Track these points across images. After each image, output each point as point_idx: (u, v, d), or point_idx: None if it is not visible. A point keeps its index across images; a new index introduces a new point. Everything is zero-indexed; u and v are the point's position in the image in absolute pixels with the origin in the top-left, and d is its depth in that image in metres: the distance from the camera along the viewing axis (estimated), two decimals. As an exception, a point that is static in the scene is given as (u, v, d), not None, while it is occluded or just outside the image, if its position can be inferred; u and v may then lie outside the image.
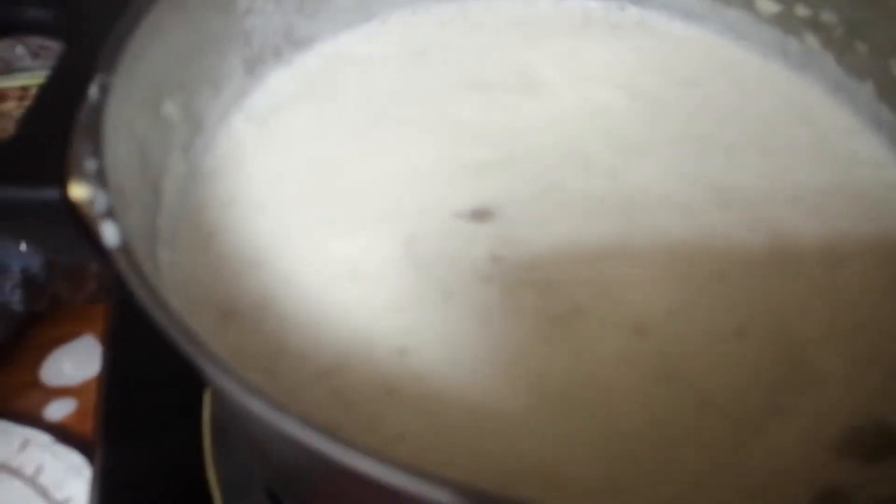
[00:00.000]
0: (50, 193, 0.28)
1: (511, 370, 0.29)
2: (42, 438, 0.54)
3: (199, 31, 0.36)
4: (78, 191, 0.28)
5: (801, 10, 0.41)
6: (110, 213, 0.23)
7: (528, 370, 0.29)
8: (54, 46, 0.65)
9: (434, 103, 0.41)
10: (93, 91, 0.27)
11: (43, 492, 0.52)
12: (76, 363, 0.62)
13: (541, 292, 0.31)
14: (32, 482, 0.52)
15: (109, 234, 0.23)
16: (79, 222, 0.28)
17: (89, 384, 0.60)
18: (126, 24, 0.30)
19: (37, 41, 0.75)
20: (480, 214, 0.34)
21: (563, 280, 0.32)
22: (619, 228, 0.34)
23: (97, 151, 0.25)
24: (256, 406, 0.19)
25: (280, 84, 0.42)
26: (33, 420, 0.56)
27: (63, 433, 0.56)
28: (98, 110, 0.27)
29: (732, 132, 0.39)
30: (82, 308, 0.66)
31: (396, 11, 0.45)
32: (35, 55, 0.76)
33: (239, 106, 0.40)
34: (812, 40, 0.41)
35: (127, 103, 0.30)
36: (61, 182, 0.28)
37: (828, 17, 0.40)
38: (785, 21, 0.42)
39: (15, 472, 0.53)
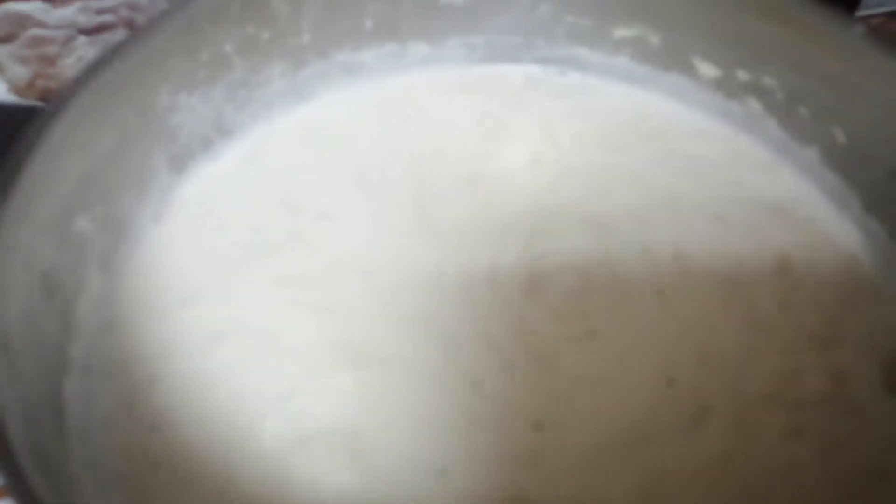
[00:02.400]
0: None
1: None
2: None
3: (115, 137, 0.35)
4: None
5: (742, 75, 0.40)
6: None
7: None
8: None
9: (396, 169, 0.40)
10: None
11: None
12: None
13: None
14: None
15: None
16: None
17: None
18: (22, 148, 0.29)
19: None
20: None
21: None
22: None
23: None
24: None
25: (209, 175, 0.40)
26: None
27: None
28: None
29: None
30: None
31: (331, 90, 0.44)
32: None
33: (167, 204, 0.39)
34: (755, 104, 0.40)
35: (23, 234, 0.28)
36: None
37: (769, 81, 0.39)
38: (726, 85, 0.40)
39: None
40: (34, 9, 0.52)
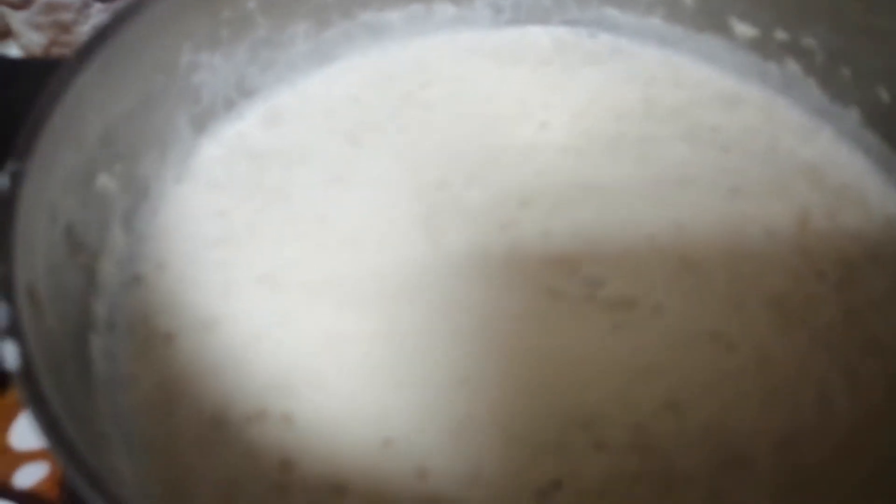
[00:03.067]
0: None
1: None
2: (11, 509, 0.51)
3: (137, 95, 0.34)
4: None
5: (781, 35, 0.38)
6: (12, 330, 0.21)
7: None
8: None
9: (415, 135, 0.39)
10: (2, 180, 0.25)
11: (14, 567, 0.49)
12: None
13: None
14: (3, 557, 0.50)
15: (9, 355, 0.21)
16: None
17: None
18: (46, 100, 0.28)
19: None
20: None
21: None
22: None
23: (3, 255, 0.23)
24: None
25: (231, 135, 0.40)
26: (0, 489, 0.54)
27: (34, 501, 0.53)
28: (7, 204, 0.25)
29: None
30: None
31: (355, 53, 0.43)
32: None
33: (189, 165, 0.38)
34: (793, 66, 0.38)
35: (47, 188, 0.28)
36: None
37: (809, 41, 0.37)
38: (763, 46, 0.39)
39: (-16, 548, 0.50)
40: (50, -26, 0.52)
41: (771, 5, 0.38)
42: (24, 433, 0.59)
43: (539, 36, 0.44)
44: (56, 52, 0.50)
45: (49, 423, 0.19)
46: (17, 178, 0.25)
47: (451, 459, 0.26)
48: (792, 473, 0.26)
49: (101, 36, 0.31)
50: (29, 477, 0.55)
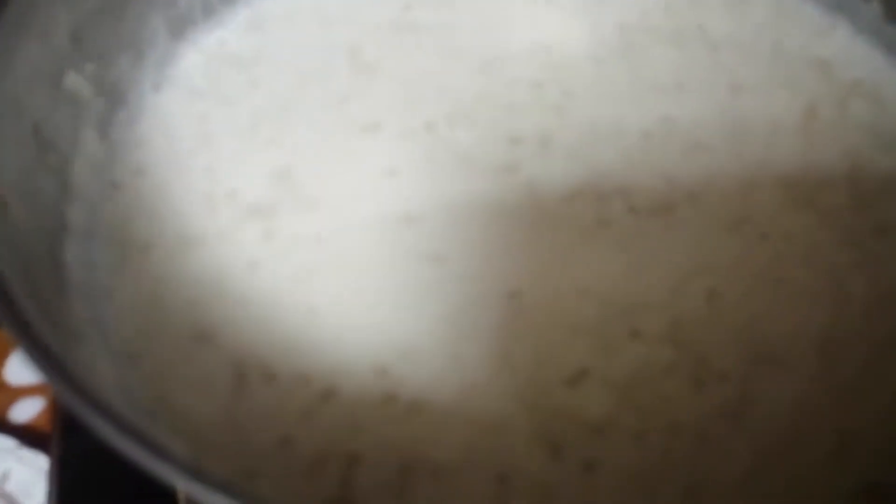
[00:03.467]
0: None
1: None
2: (6, 443, 0.51)
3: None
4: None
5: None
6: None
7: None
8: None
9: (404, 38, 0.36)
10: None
11: (10, 500, 0.49)
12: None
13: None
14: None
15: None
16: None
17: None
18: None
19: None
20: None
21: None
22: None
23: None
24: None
25: (211, 44, 0.37)
26: (-4, 424, 0.53)
27: (30, 435, 0.53)
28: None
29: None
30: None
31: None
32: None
33: (167, 72, 0.36)
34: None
35: (8, 78, 0.26)
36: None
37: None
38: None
39: (-19, 480, 0.50)
40: None
41: None
42: (20, 368, 0.58)
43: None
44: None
45: (18, 322, 0.18)
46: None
47: (480, 346, 0.25)
48: (827, 375, 0.24)
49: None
50: (25, 411, 0.55)
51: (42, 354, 0.19)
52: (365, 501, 0.22)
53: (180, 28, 0.36)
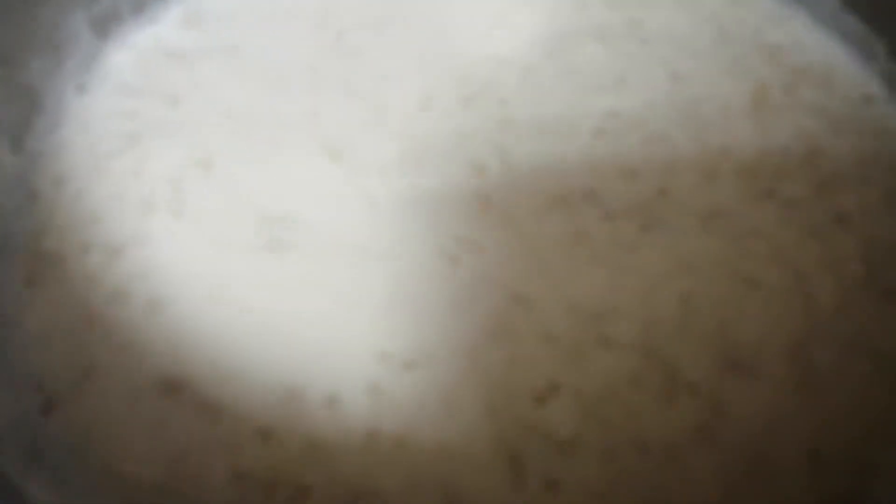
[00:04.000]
0: None
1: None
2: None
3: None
4: None
5: None
6: None
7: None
8: None
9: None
10: None
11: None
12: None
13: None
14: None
15: None
16: None
17: None
18: None
19: None
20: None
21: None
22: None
23: None
24: None
25: (142, 41, 0.35)
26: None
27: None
28: None
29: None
30: None
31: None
32: None
33: (93, 72, 0.33)
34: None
35: None
36: None
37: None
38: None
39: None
40: None
41: None
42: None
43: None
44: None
45: None
46: None
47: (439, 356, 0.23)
48: (797, 382, 0.23)
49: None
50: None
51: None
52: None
53: (105, 26, 0.34)
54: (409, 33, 0.35)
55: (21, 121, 0.30)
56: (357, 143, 0.29)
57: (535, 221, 0.26)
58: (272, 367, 0.23)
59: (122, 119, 0.31)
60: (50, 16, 0.31)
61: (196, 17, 0.36)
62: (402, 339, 0.24)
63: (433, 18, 0.34)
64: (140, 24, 0.35)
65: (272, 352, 0.24)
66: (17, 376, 0.23)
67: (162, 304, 0.25)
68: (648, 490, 0.21)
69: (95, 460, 0.22)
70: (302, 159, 0.29)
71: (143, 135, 0.31)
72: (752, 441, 0.22)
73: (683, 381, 0.23)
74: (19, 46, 0.30)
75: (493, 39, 0.34)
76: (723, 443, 0.22)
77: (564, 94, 0.31)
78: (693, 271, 0.25)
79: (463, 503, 0.21)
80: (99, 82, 0.33)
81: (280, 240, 0.27)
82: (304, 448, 0.22)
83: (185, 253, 0.27)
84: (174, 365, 0.24)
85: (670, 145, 0.29)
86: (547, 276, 0.25)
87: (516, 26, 0.34)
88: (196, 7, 0.36)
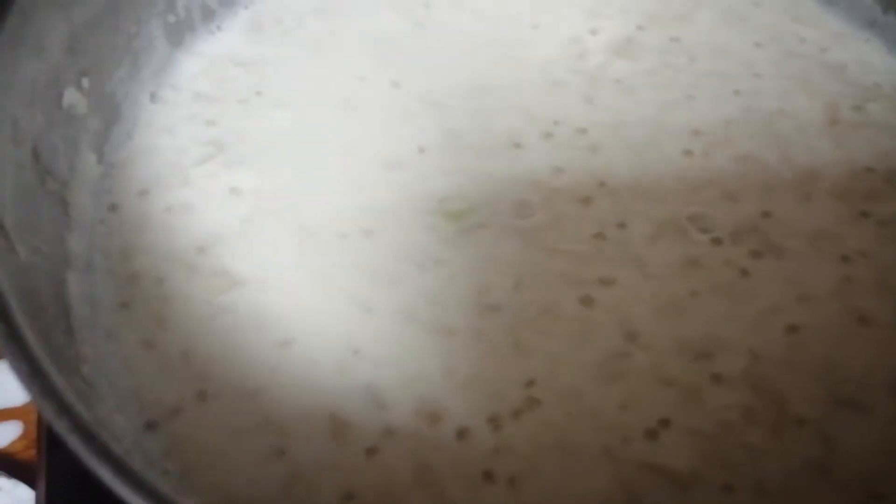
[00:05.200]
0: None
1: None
2: (-18, 473, 0.47)
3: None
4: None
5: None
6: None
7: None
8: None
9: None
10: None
11: (-16, 537, 0.45)
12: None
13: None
14: (-29, 527, 0.46)
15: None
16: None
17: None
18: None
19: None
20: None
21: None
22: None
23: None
24: None
25: (211, 48, 0.35)
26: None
27: (7, 462, 0.49)
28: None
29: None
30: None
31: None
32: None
33: (165, 80, 0.33)
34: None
35: (9, 97, 0.23)
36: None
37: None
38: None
39: (-50, 518, 0.46)
40: None
41: None
42: (-6, 391, 0.54)
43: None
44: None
45: (31, 369, 0.15)
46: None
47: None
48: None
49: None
50: (2, 436, 0.51)
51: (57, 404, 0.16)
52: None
53: (180, 34, 0.34)
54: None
55: (103, 130, 0.30)
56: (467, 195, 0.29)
57: (648, 248, 0.26)
58: (409, 390, 0.23)
59: (201, 126, 0.31)
60: (130, 25, 0.31)
61: (260, 23, 0.36)
62: (535, 374, 0.24)
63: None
64: (210, 31, 0.35)
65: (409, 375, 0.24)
66: (119, 390, 0.23)
67: (265, 316, 0.25)
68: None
69: (202, 480, 0.22)
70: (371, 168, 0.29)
71: (222, 141, 0.30)
72: (866, 478, 0.22)
73: (793, 415, 0.23)
74: (106, 56, 0.29)
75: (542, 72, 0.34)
76: (837, 479, 0.22)
77: (638, 114, 0.32)
78: (804, 301, 0.25)
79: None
80: (172, 91, 0.33)
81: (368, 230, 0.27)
82: (419, 473, 0.22)
83: (276, 257, 0.27)
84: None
85: (761, 165, 0.29)
86: (660, 309, 0.25)
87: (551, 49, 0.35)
88: (261, 11, 0.36)
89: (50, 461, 0.39)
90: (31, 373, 0.15)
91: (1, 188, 0.21)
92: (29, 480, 0.47)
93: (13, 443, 0.51)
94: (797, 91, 0.32)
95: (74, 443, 0.15)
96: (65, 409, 0.16)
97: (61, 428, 0.15)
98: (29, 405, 0.54)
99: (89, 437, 0.16)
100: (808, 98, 0.32)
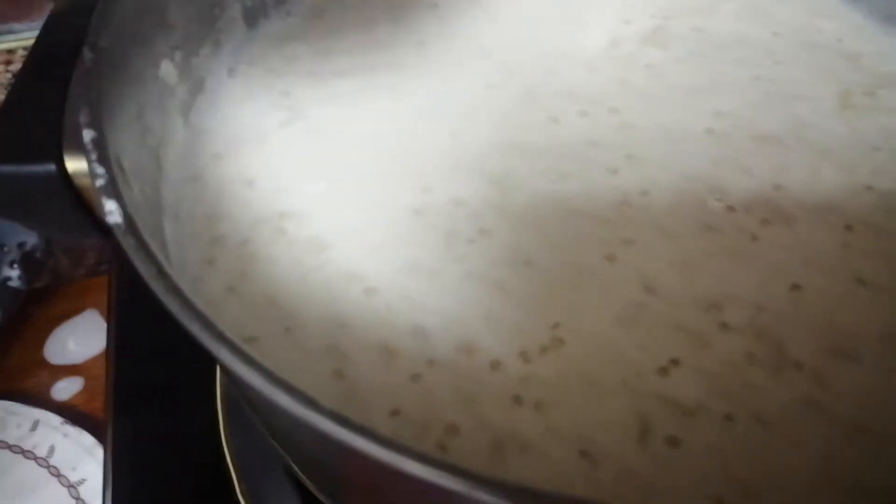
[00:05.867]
0: (44, 168, 0.25)
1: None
2: (52, 419, 0.52)
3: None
4: (75, 164, 0.25)
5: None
6: (112, 187, 0.21)
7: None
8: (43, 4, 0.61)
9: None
10: (86, 53, 0.24)
11: (57, 473, 0.50)
12: (80, 340, 0.60)
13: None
14: (46, 463, 0.51)
15: (111, 210, 0.20)
16: (77, 199, 0.25)
17: (95, 361, 0.58)
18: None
19: None
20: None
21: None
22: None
23: (94, 120, 0.22)
24: (265, 389, 0.17)
25: (280, 30, 0.39)
26: (41, 400, 0.55)
27: (72, 413, 0.54)
28: (93, 74, 0.24)
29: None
30: (83, 282, 0.64)
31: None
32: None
33: (240, 60, 0.37)
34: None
35: (123, 65, 0.27)
36: (56, 155, 0.25)
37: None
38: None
39: (28, 454, 0.51)
40: None
41: None
42: (60, 348, 0.59)
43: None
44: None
45: (161, 276, 0.19)
46: (99, 51, 0.24)
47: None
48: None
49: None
50: (66, 390, 0.56)
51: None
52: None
53: (255, 17, 0.38)
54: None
55: (188, 99, 0.34)
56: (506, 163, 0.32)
57: (668, 214, 0.29)
58: (452, 324, 0.27)
59: (274, 93, 0.35)
60: (215, 6, 0.35)
61: (322, 8, 0.40)
62: (560, 318, 0.27)
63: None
64: (280, 16, 0.39)
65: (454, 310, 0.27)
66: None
67: (328, 263, 0.29)
68: (761, 449, 0.24)
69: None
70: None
71: (295, 111, 0.34)
72: (854, 414, 0.25)
73: (792, 360, 0.26)
74: (194, 35, 0.33)
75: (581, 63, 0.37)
76: (828, 414, 0.25)
77: (667, 99, 0.35)
78: (808, 264, 0.28)
79: (595, 452, 0.24)
80: (248, 67, 0.37)
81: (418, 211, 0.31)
82: (456, 395, 0.26)
83: (344, 220, 0.30)
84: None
85: (777, 143, 0.32)
86: (676, 266, 0.28)
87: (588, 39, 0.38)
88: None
89: (117, 409, 0.43)
90: (158, 274, 0.19)
91: (118, 136, 0.25)
92: (90, 429, 0.52)
93: (76, 395, 0.56)
94: (813, 77, 0.35)
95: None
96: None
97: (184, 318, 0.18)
98: (88, 362, 0.59)
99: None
100: (823, 84, 0.35)
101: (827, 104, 0.34)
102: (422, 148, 0.33)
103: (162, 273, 0.19)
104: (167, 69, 0.32)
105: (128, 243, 0.20)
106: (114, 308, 0.48)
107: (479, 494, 0.16)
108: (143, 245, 0.19)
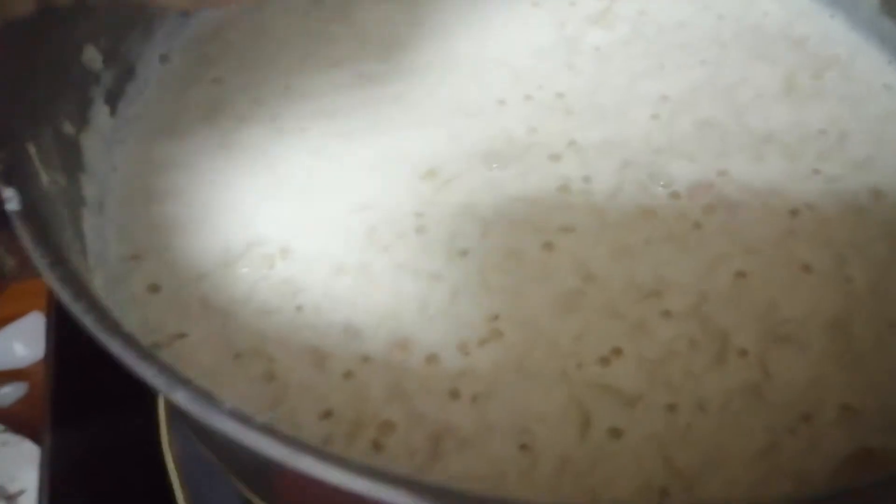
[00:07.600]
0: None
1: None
2: (-10, 427, 0.50)
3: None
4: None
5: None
6: (9, 174, 0.19)
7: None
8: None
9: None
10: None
11: (-7, 483, 0.48)
12: (26, 343, 0.57)
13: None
14: (-18, 475, 0.48)
15: (9, 197, 0.19)
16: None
17: (41, 365, 0.56)
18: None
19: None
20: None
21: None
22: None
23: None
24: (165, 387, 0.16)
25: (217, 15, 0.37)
26: (-22, 405, 0.52)
27: (14, 420, 0.52)
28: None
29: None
30: (31, 282, 0.61)
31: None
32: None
33: (174, 41, 0.36)
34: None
35: (37, 47, 0.25)
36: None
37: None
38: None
39: (-38, 466, 0.49)
40: None
41: None
42: (3, 351, 0.57)
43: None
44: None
45: (52, 260, 0.17)
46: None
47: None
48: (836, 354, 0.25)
49: None
50: (9, 396, 0.54)
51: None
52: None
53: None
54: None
55: (117, 86, 0.32)
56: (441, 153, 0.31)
57: (609, 200, 0.29)
58: (385, 319, 0.26)
59: (204, 83, 0.34)
60: (145, -8, 0.34)
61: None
62: (499, 309, 0.26)
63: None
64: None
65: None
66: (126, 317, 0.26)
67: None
68: (705, 439, 0.23)
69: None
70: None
71: (225, 100, 0.33)
72: (798, 401, 0.24)
73: (735, 347, 0.25)
74: (123, 19, 0.32)
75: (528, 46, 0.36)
76: (771, 402, 0.24)
77: (612, 84, 0.34)
78: (752, 251, 0.27)
79: (535, 446, 0.23)
80: (181, 53, 0.35)
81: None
82: (390, 392, 0.25)
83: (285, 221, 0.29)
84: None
85: (721, 129, 0.32)
86: (615, 254, 0.27)
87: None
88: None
89: (55, 417, 0.42)
90: (52, 264, 0.17)
91: (29, 126, 0.23)
92: (34, 437, 0.50)
93: (19, 401, 0.54)
94: (758, 61, 0.34)
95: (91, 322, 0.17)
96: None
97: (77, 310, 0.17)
98: (34, 366, 0.56)
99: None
100: (769, 68, 0.34)
101: (772, 88, 0.33)
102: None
103: (57, 262, 0.17)
104: (91, 54, 0.30)
105: (23, 231, 0.18)
106: (54, 309, 0.46)
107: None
108: (40, 233, 0.18)
